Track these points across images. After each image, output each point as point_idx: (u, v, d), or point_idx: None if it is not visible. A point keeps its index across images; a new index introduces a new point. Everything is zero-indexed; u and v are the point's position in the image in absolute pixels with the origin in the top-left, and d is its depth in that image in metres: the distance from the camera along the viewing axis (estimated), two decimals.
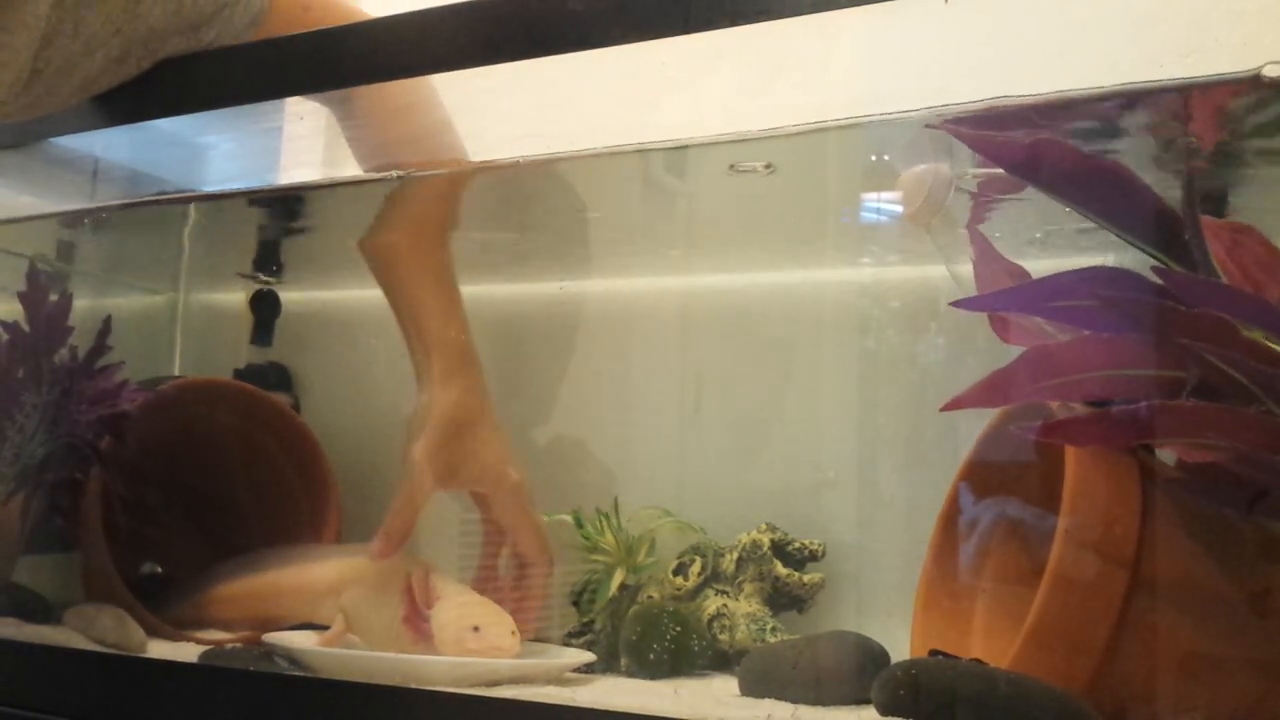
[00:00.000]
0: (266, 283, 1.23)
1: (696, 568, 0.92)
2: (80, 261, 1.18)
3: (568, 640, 0.92)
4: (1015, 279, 0.72)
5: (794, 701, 0.73)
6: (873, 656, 0.74)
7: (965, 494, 0.79)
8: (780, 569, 0.90)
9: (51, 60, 0.81)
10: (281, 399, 1.17)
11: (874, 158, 0.81)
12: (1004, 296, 0.72)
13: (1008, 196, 0.76)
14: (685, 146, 0.83)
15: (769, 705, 0.73)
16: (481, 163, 0.90)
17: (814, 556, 0.92)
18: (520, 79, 0.77)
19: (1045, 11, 0.67)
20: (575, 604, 0.94)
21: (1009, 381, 0.66)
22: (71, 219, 1.12)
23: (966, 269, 0.75)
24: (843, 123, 0.74)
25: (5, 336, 0.99)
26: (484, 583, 0.92)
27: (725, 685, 0.81)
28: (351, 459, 1.12)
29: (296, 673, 0.81)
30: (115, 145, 0.99)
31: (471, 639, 0.81)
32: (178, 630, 0.95)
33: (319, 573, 0.96)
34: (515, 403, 1.09)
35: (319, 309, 1.25)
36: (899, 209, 0.81)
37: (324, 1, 0.92)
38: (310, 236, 1.15)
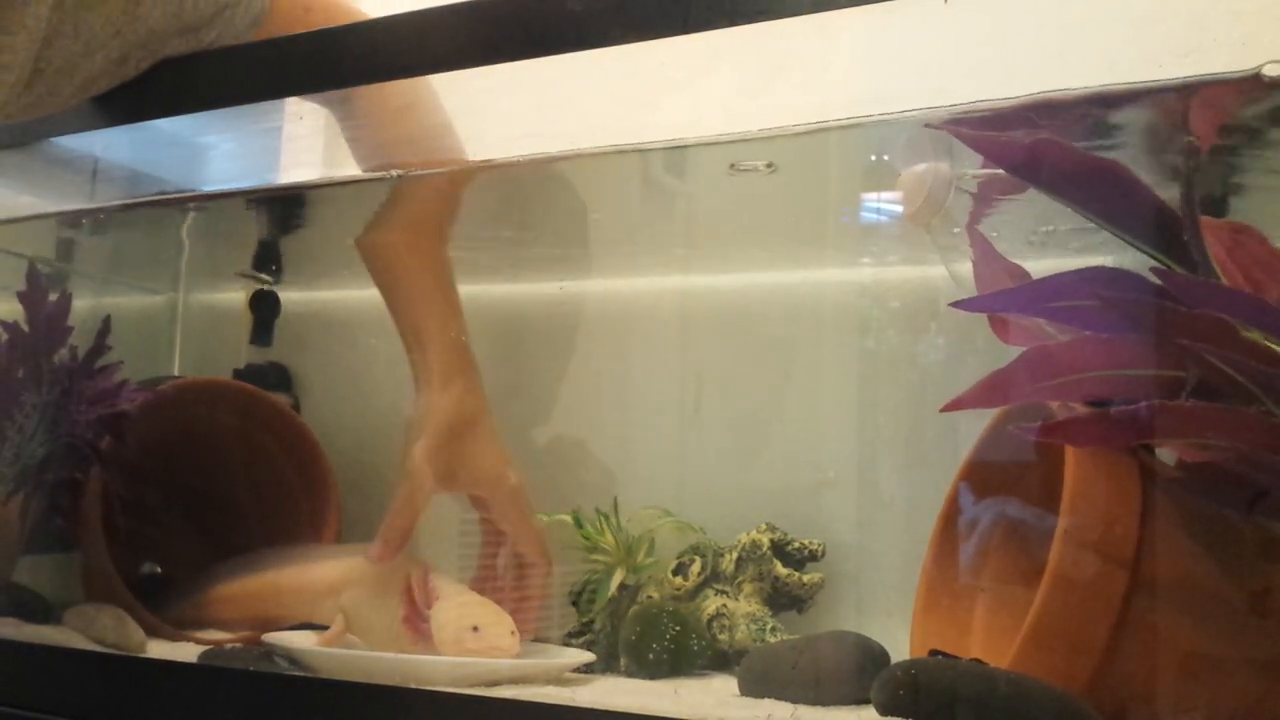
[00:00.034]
0: (266, 282, 1.23)
1: (696, 568, 0.92)
2: (80, 261, 1.19)
3: (567, 640, 0.92)
4: (1015, 279, 0.72)
5: (794, 701, 0.73)
6: (873, 656, 0.74)
7: (965, 494, 0.79)
8: (780, 569, 0.90)
9: (52, 61, 0.81)
10: (281, 399, 1.17)
11: (874, 157, 0.81)
12: (1003, 297, 0.72)
13: (1008, 197, 0.76)
14: (684, 146, 0.83)
15: (769, 705, 0.73)
16: (481, 162, 0.90)
17: (814, 556, 0.92)
18: (519, 79, 0.77)
19: (1045, 11, 0.67)
20: (575, 604, 0.94)
21: (1009, 382, 0.66)
22: (71, 219, 1.12)
23: (966, 269, 0.75)
24: (843, 122, 0.74)
25: (5, 336, 0.99)
26: (483, 584, 0.92)
27: (725, 685, 0.81)
28: (351, 459, 1.12)
29: (296, 673, 0.81)
30: (115, 145, 0.99)
31: (471, 639, 0.81)
32: (178, 630, 0.95)
33: (319, 573, 0.96)
34: (515, 403, 1.09)
35: (319, 309, 1.25)
36: (899, 209, 0.81)
37: (325, 3, 0.92)
38: (310, 236, 1.15)
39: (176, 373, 1.25)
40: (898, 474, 0.93)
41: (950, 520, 0.80)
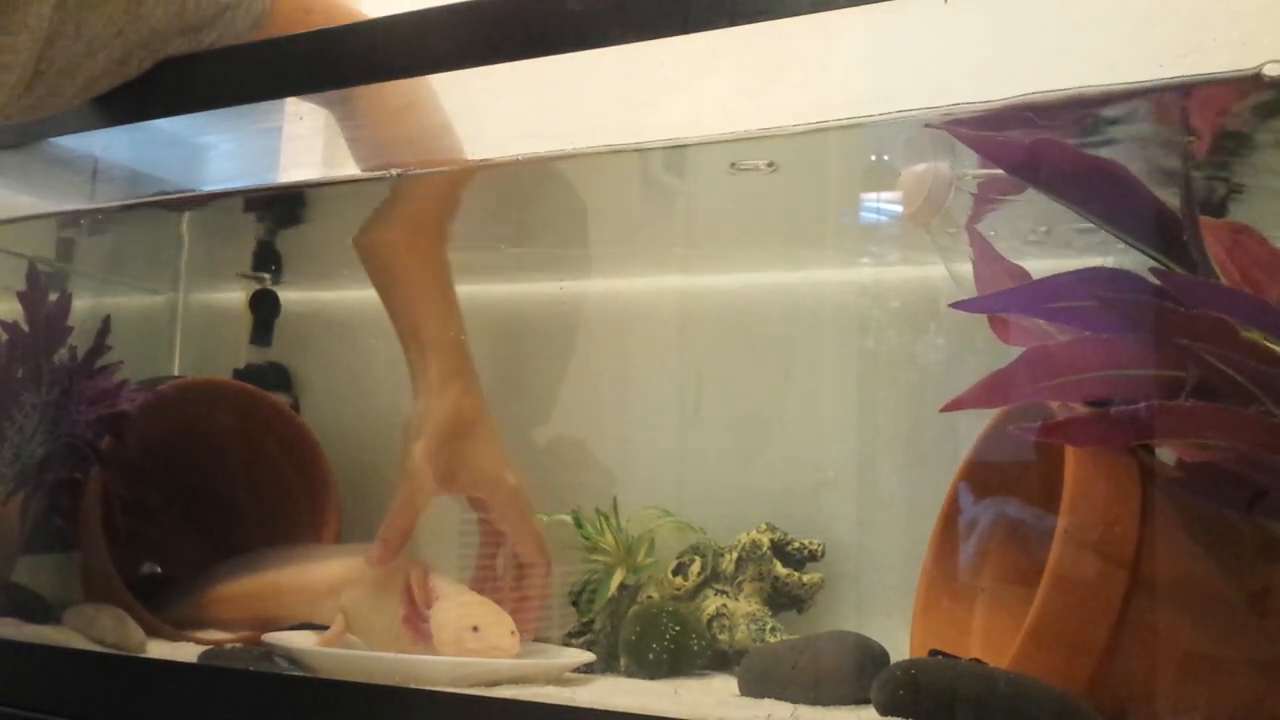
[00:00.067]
0: (265, 282, 1.23)
1: (696, 568, 0.92)
2: (79, 261, 1.19)
3: (567, 640, 0.92)
4: (1015, 279, 0.72)
5: (794, 701, 0.73)
6: (872, 656, 0.74)
7: (965, 494, 0.79)
8: (780, 569, 0.90)
9: (54, 61, 0.81)
10: (281, 399, 1.17)
11: (873, 157, 0.81)
12: (1003, 298, 0.72)
13: (1008, 197, 0.76)
14: (685, 145, 0.83)
15: (769, 705, 0.73)
16: (480, 161, 0.90)
17: (814, 556, 0.92)
18: (519, 79, 0.77)
19: (1045, 11, 0.67)
20: (575, 604, 0.94)
21: (1009, 382, 0.66)
22: (70, 219, 1.12)
23: (966, 269, 0.75)
24: (843, 122, 0.74)
25: (5, 336, 0.99)
26: (482, 585, 0.92)
27: (725, 685, 0.81)
28: (351, 459, 1.12)
29: (296, 673, 0.81)
30: (115, 145, 0.99)
31: (471, 639, 0.81)
32: (177, 630, 0.95)
33: (318, 573, 0.96)
34: (515, 403, 1.09)
35: (319, 309, 1.25)
36: (899, 209, 0.81)
37: (325, 4, 0.92)
38: (310, 236, 1.15)
39: (176, 373, 1.25)
40: (898, 474, 0.93)
41: (950, 520, 0.80)
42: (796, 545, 0.92)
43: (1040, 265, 0.73)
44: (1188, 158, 0.65)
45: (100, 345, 0.99)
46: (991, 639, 0.76)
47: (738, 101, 0.75)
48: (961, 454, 0.79)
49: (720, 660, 0.88)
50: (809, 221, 0.95)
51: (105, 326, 1.00)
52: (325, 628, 0.90)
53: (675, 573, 0.92)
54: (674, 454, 1.05)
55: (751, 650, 0.85)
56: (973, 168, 0.75)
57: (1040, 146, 0.65)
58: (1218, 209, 0.75)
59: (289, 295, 1.24)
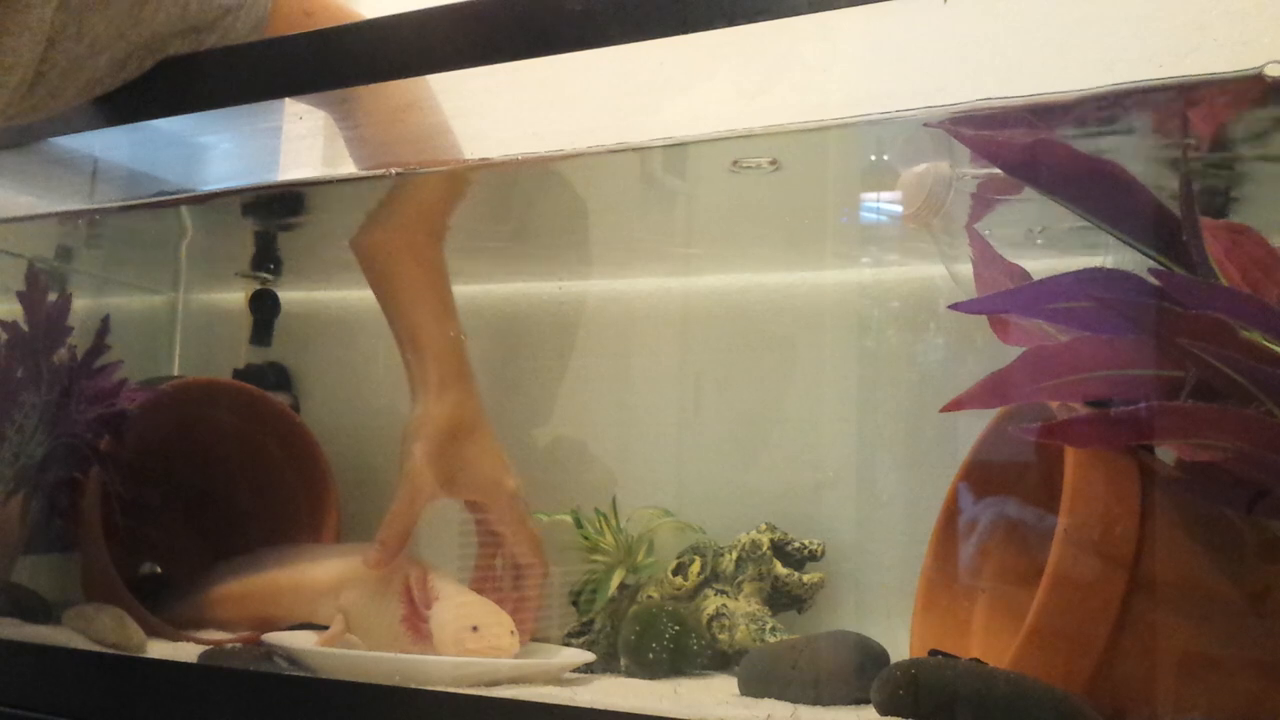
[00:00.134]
0: (263, 280, 1.23)
1: (696, 567, 0.92)
2: (79, 261, 1.19)
3: (567, 640, 0.92)
4: (1015, 280, 0.72)
5: (793, 701, 0.73)
6: (872, 656, 0.74)
7: (965, 494, 0.79)
8: (780, 569, 0.90)
9: (56, 63, 0.81)
10: (281, 399, 1.17)
11: (873, 157, 0.81)
12: (1002, 298, 0.72)
13: (1008, 197, 0.76)
14: (685, 144, 0.83)
15: (768, 705, 0.73)
16: (480, 161, 0.90)
17: (813, 556, 0.92)
18: (519, 79, 0.77)
19: (1045, 11, 0.67)
20: (575, 604, 0.94)
21: (1008, 382, 0.66)
22: (70, 219, 1.12)
23: (966, 269, 0.75)
24: (844, 120, 0.74)
25: (4, 336, 0.99)
26: (479, 588, 0.92)
27: (724, 685, 0.82)
28: (351, 459, 1.12)
29: (296, 673, 0.82)
30: (115, 145, 0.99)
31: (470, 639, 0.81)
32: (177, 630, 0.95)
33: (318, 573, 0.96)
34: (515, 402, 1.09)
35: (319, 309, 1.25)
36: (899, 209, 0.81)
37: (326, 6, 0.92)
38: (310, 236, 1.15)
39: (176, 373, 1.25)
40: (898, 474, 0.93)
41: (950, 520, 0.80)
42: (796, 545, 0.92)
43: (1036, 266, 0.73)
44: (1187, 158, 0.65)
45: (100, 345, 0.99)
46: (991, 639, 0.76)
47: (737, 101, 0.75)
48: (961, 454, 0.79)
49: (720, 660, 0.88)
50: (809, 221, 0.95)
51: (105, 326, 1.00)
52: (325, 628, 0.90)
53: (675, 573, 0.92)
54: (674, 454, 1.05)
55: (751, 650, 0.85)
56: (973, 167, 0.75)
57: (1039, 146, 0.65)
58: (1219, 210, 0.75)
59: (288, 295, 1.24)
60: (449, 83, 0.82)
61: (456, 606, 0.84)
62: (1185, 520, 0.65)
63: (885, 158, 0.80)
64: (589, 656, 0.86)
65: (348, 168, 0.92)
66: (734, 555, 0.92)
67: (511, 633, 0.81)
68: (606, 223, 1.03)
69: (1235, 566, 0.65)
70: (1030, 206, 0.76)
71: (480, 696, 0.73)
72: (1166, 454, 0.70)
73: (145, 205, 1.05)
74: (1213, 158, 0.71)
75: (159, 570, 1.15)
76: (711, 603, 0.90)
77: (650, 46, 0.71)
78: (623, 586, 0.92)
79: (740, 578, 0.91)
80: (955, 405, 0.68)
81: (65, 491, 0.98)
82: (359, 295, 1.18)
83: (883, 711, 0.65)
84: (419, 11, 0.79)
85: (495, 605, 0.84)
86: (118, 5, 0.81)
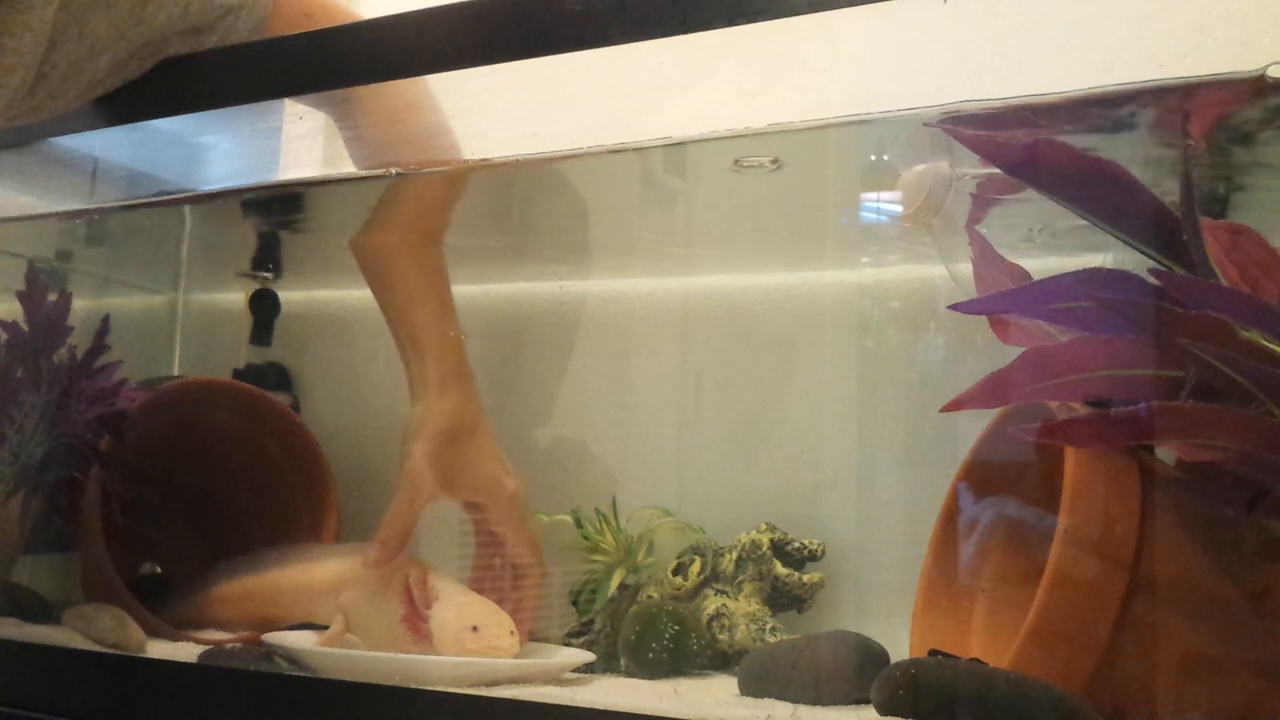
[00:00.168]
0: (263, 280, 1.23)
1: (696, 567, 0.92)
2: (79, 261, 1.19)
3: (567, 640, 0.92)
4: (1015, 280, 0.72)
5: (794, 701, 0.73)
6: (872, 656, 0.74)
7: (965, 494, 0.79)
8: (780, 569, 0.90)
9: (57, 64, 0.81)
10: (281, 399, 1.17)
11: (873, 157, 0.81)
12: (1002, 299, 0.72)
13: (1008, 197, 0.76)
14: (686, 143, 0.83)
15: (768, 705, 0.73)
16: (480, 161, 0.90)
17: (813, 556, 0.92)
18: (519, 79, 0.77)
19: (1045, 11, 0.67)
20: (575, 604, 0.94)
21: (1008, 382, 0.66)
22: (70, 219, 1.12)
23: (966, 269, 0.75)
24: (844, 119, 0.74)
25: (4, 336, 0.99)
26: (478, 589, 0.92)
27: (724, 685, 0.82)
28: (351, 459, 1.12)
29: (296, 673, 0.82)
30: (115, 145, 0.99)
31: (470, 639, 0.81)
32: (177, 630, 0.95)
33: (318, 573, 0.96)
34: (515, 402, 1.09)
35: (319, 309, 1.25)
36: (898, 209, 0.81)
37: (326, 8, 0.92)
38: (310, 235, 1.15)
39: (176, 373, 1.25)
40: (897, 474, 0.93)
41: (950, 520, 0.80)
42: (796, 545, 0.92)
43: (1036, 265, 0.73)
44: (1187, 158, 0.65)
45: (100, 345, 0.99)
46: (992, 639, 0.76)
47: (737, 101, 0.75)
48: (961, 454, 0.79)
49: (720, 660, 0.88)
50: (808, 221, 0.95)
51: (105, 326, 1.00)
52: (325, 628, 0.90)
53: (675, 573, 0.92)
54: (674, 454, 1.05)
55: (751, 650, 0.85)
56: (973, 167, 0.75)
57: (1039, 147, 0.65)
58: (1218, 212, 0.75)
59: (289, 295, 1.24)
60: (449, 83, 0.82)
61: (456, 606, 0.84)
62: (1185, 520, 0.65)
63: (885, 158, 0.80)
64: (589, 656, 0.86)
65: (348, 168, 0.92)
66: (734, 555, 0.92)
67: (511, 633, 0.81)
68: (606, 223, 1.03)
69: (1235, 566, 0.65)
70: (1030, 206, 0.76)
71: (480, 696, 0.73)
72: (1167, 454, 0.70)
73: (145, 205, 1.05)
74: (1213, 158, 0.71)
75: (159, 570, 1.15)
76: (711, 603, 0.90)
77: (650, 46, 0.71)
78: (623, 586, 0.92)
79: (740, 578, 0.91)
80: (955, 405, 0.68)
81: (65, 491, 0.98)
82: (359, 295, 1.18)
83: (883, 711, 0.65)
84: (419, 11, 0.79)
85: (495, 605, 0.84)
86: (119, 6, 0.81)
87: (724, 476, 1.02)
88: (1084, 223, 0.67)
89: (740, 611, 0.89)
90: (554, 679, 0.81)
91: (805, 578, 0.91)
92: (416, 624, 0.84)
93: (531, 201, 1.00)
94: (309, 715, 0.77)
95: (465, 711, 0.72)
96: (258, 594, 0.99)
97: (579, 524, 0.94)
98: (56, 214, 1.12)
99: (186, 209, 1.09)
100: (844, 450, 0.97)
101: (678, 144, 0.83)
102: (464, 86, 0.81)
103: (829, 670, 0.74)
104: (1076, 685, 0.63)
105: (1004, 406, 0.75)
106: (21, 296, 0.99)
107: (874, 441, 0.95)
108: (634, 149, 0.82)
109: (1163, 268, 0.64)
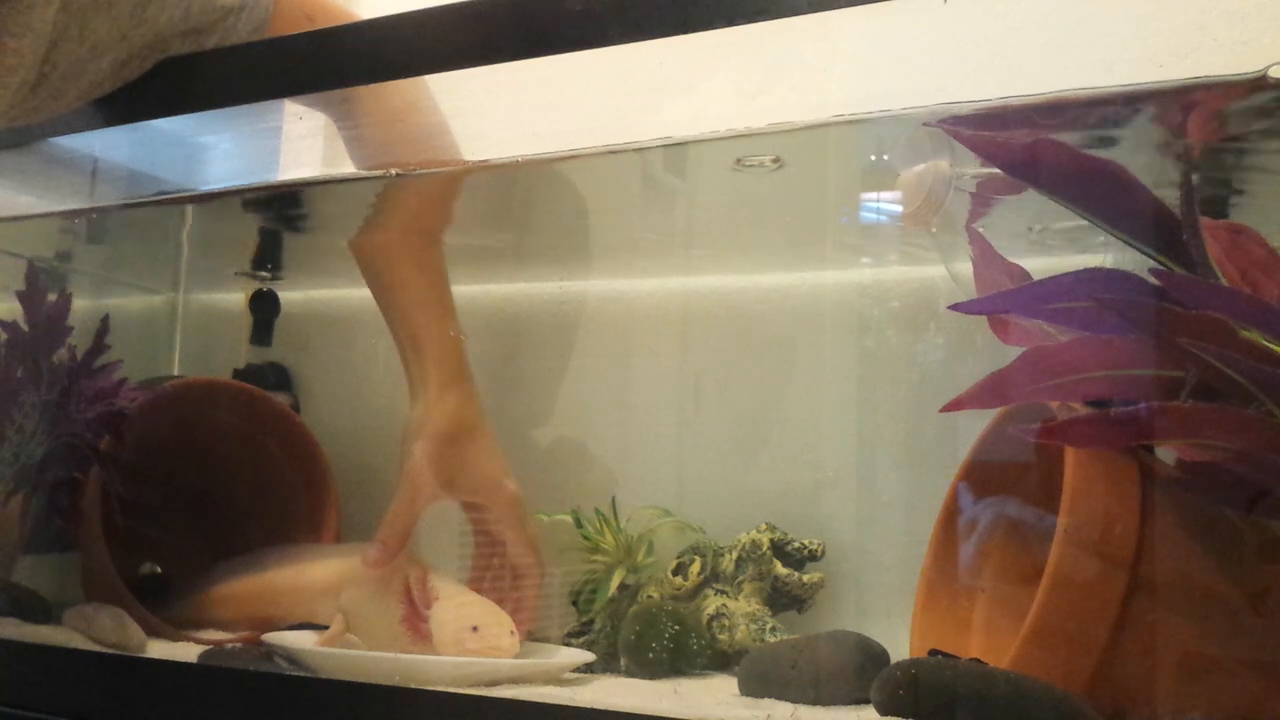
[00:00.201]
0: (263, 280, 1.23)
1: (696, 567, 0.92)
2: (78, 261, 1.19)
3: (567, 640, 0.92)
4: (1015, 280, 0.72)
5: (794, 701, 0.73)
6: (872, 656, 0.74)
7: (965, 494, 0.79)
8: (780, 569, 0.90)
9: (57, 65, 0.81)
10: (281, 399, 1.17)
11: (873, 157, 0.81)
12: (1002, 298, 0.72)
13: (1008, 197, 0.76)
14: (686, 143, 0.83)
15: (768, 705, 0.73)
16: (480, 162, 0.90)
17: (813, 556, 0.92)
18: (518, 79, 0.77)
19: (1045, 11, 0.67)
20: (575, 604, 0.94)
21: (1008, 382, 0.66)
22: (70, 219, 1.12)
23: (966, 269, 0.75)
24: (844, 118, 0.74)
25: (4, 336, 0.99)
26: (478, 587, 0.92)
27: (725, 685, 0.82)
28: (351, 459, 1.12)
29: (296, 673, 0.82)
30: (115, 145, 0.99)
31: (470, 639, 0.81)
32: (177, 630, 0.95)
33: (318, 573, 0.96)
34: (515, 402, 1.09)
35: (319, 309, 1.25)
36: (898, 209, 0.81)
37: (326, 9, 0.92)
38: (310, 235, 1.15)
39: (176, 373, 1.25)
40: (897, 474, 0.93)
41: (950, 520, 0.80)
42: (796, 545, 0.92)
43: (1036, 265, 0.73)
44: (1187, 158, 0.65)
45: (99, 344, 0.99)
46: (992, 639, 0.76)
47: (737, 101, 0.75)
48: (961, 454, 0.79)
49: (720, 660, 0.88)
50: (808, 221, 0.95)
51: (104, 326, 1.00)
52: (325, 628, 0.90)
53: (675, 573, 0.92)
54: (674, 454, 1.05)
55: (751, 650, 0.85)
56: (973, 167, 0.75)
57: (1039, 146, 0.65)
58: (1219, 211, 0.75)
59: (289, 295, 1.24)
60: (449, 83, 0.82)
61: (456, 607, 0.84)
62: (1185, 520, 0.65)
63: (885, 157, 0.80)
64: (589, 656, 0.86)
65: (348, 168, 0.92)
66: (734, 555, 0.92)
67: (511, 633, 0.81)
68: (607, 223, 1.03)
69: (1235, 566, 0.65)
70: (1030, 206, 0.76)
71: (480, 696, 0.73)
72: (1167, 454, 0.70)
73: (145, 205, 1.05)
74: (1212, 158, 0.71)
75: (159, 570, 1.15)
76: (711, 603, 0.90)
77: (650, 46, 0.71)
78: (623, 586, 0.92)
79: (740, 578, 0.91)
80: (955, 405, 0.68)
81: (65, 491, 0.98)
82: (359, 295, 1.18)
83: (883, 711, 0.65)
84: (419, 11, 0.79)
85: (495, 605, 0.84)
86: (120, 7, 0.81)
87: (724, 476, 1.02)
88: (1083, 222, 0.67)
89: (740, 611, 0.89)
90: (554, 679, 0.81)
91: (805, 578, 0.91)
92: (416, 624, 0.84)
93: (531, 201, 1.00)
94: (309, 715, 0.77)
95: (465, 711, 0.72)
96: (258, 594, 0.99)
97: (579, 524, 0.94)
98: (56, 214, 1.12)
99: (187, 209, 1.09)
100: (844, 450, 0.97)
101: (678, 144, 0.83)
102: (464, 86, 0.81)
103: (829, 670, 0.74)
104: (1076, 685, 0.63)
105: (1004, 406, 0.75)
106: (21, 296, 0.99)
107: (874, 441, 0.95)
108: (634, 149, 0.82)
109: (1163, 268, 0.64)
